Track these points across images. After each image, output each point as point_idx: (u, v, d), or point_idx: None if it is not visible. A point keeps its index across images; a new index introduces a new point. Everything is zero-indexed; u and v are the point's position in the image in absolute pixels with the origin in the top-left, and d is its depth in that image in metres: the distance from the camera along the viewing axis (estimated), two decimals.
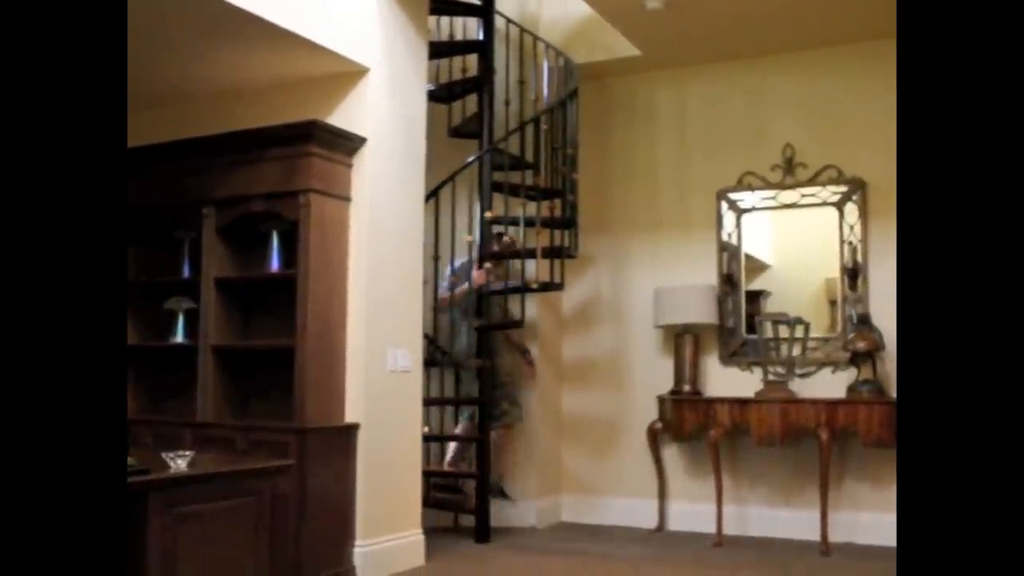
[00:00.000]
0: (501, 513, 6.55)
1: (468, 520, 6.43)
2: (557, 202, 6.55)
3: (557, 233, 6.54)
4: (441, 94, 6.63)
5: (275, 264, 5.24)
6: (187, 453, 3.28)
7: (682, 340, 6.64)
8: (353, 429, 5.09)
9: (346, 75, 5.28)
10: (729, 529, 6.32)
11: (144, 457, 3.26)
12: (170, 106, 5.89)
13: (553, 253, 6.45)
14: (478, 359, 6.30)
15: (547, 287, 6.45)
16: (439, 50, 6.43)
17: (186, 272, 5.60)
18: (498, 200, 6.35)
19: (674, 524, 6.73)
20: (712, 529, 6.23)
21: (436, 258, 6.31)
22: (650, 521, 6.77)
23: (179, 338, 5.54)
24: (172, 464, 3.19)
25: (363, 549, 5.09)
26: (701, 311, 6.50)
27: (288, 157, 5.07)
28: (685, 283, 6.67)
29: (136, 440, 5.09)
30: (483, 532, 6.16)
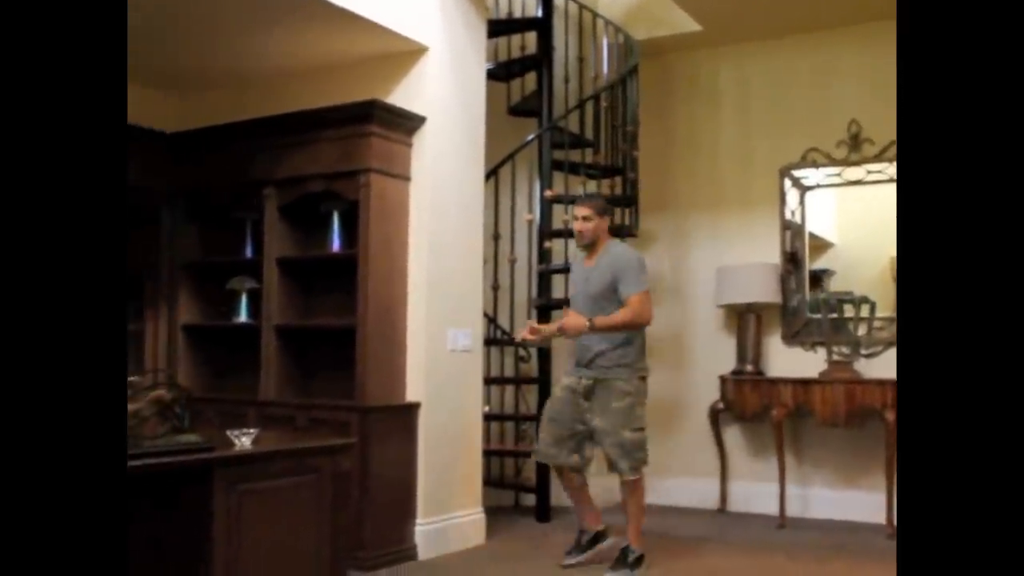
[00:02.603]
0: (561, 492, 6.53)
1: (528, 499, 6.43)
2: (617, 180, 6.49)
3: (617, 211, 6.48)
4: (500, 72, 6.60)
5: (336, 244, 5.27)
6: (251, 431, 3.30)
7: (745, 319, 6.56)
8: (414, 408, 5.11)
9: (405, 54, 5.27)
10: (792, 510, 6.25)
11: (209, 435, 3.29)
12: (231, 87, 5.93)
13: (614, 232, 6.37)
14: None
15: None
16: (498, 28, 6.39)
17: (248, 252, 5.66)
18: (558, 179, 6.31)
19: (735, 505, 6.66)
20: (774, 510, 6.16)
21: (496, 237, 6.29)
22: (711, 501, 6.71)
23: (242, 318, 5.60)
24: (236, 442, 3.22)
25: (424, 527, 5.11)
26: (764, 290, 6.40)
27: (348, 137, 5.08)
28: (747, 262, 6.58)
29: (200, 418, 5.16)
30: (543, 511, 6.16)
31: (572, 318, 4.69)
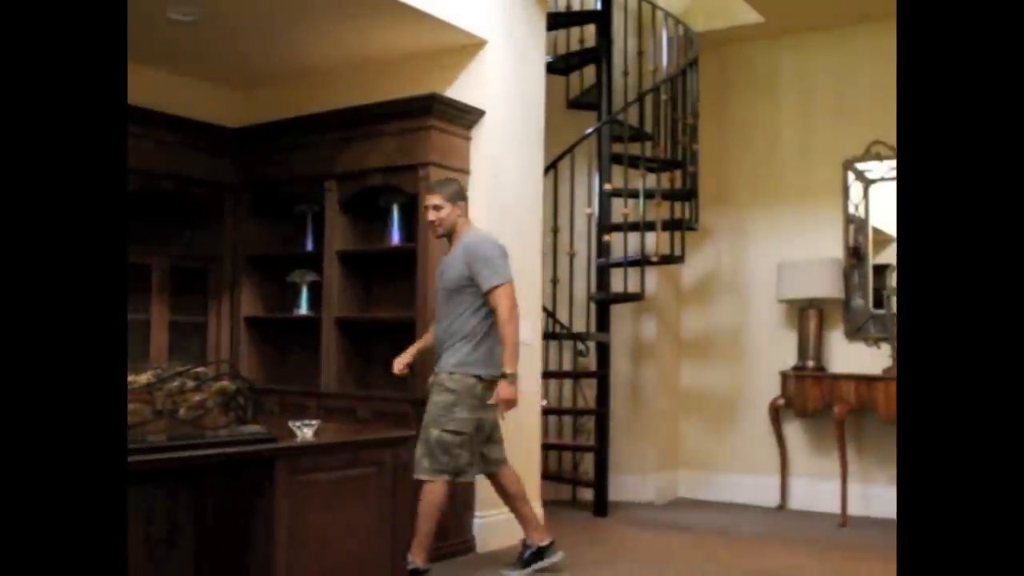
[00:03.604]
0: (619, 487, 6.51)
1: (587, 493, 6.42)
2: (677, 173, 6.43)
3: (677, 205, 6.44)
4: (559, 65, 6.58)
5: (395, 237, 5.30)
6: (313, 422, 3.33)
7: (806, 315, 6.47)
8: None
9: (464, 47, 5.28)
10: (853, 509, 6.16)
11: (271, 425, 3.33)
12: (294, 83, 5.99)
13: (673, 225, 6.34)
14: (599, 332, 6.26)
15: (667, 260, 6.35)
16: (557, 21, 6.37)
17: (309, 245, 5.72)
18: (617, 172, 6.29)
19: (796, 502, 6.58)
20: (836, 508, 6.08)
21: (555, 231, 6.28)
22: (771, 498, 6.65)
23: (303, 310, 5.67)
24: (298, 433, 3.25)
25: (482, 520, 5.12)
26: (826, 285, 6.31)
27: (407, 131, 5.10)
28: (809, 256, 6.49)
29: (262, 409, 5.22)
30: (601, 506, 6.15)
31: (505, 392, 4.30)
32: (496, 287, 4.30)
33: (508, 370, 4.29)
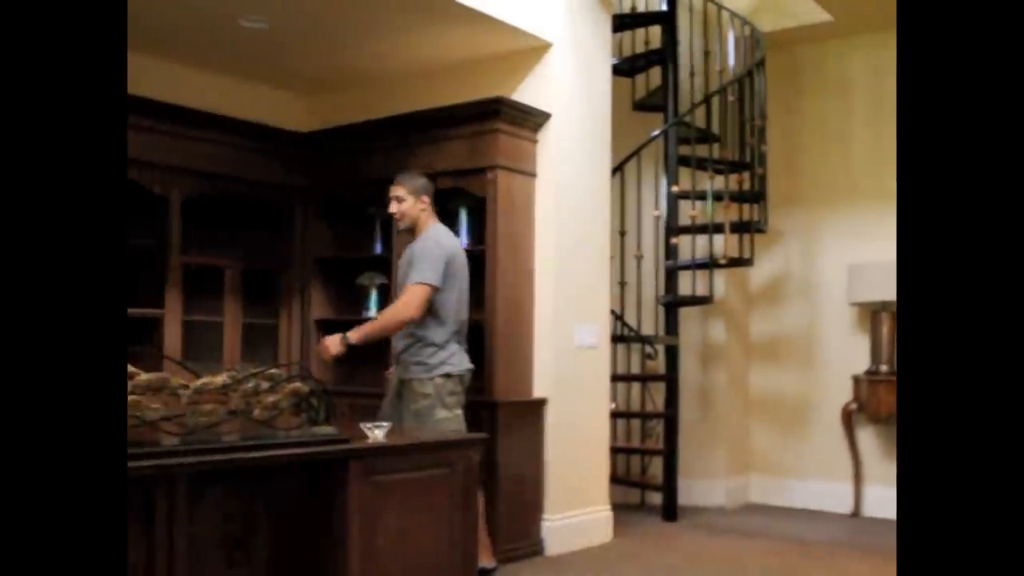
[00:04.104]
0: (689, 492, 6.45)
1: (655, 497, 6.37)
2: (745, 175, 6.36)
3: (745, 207, 6.36)
4: (624, 67, 6.55)
5: (464, 240, 5.32)
6: (384, 424, 3.35)
7: (879, 317, 6.35)
8: (541, 404, 5.12)
9: (530, 51, 5.29)
10: None
11: (343, 427, 3.35)
12: (362, 87, 6.05)
13: (741, 227, 6.27)
14: (667, 335, 6.21)
15: (736, 262, 6.28)
16: (622, 22, 6.34)
17: (378, 248, 5.77)
18: (684, 174, 6.24)
19: (870, 509, 6.46)
20: None
21: (622, 233, 6.25)
22: (844, 505, 6.53)
23: (372, 312, 5.71)
24: (370, 434, 3.27)
25: (551, 523, 5.12)
26: None
27: (474, 134, 5.12)
28: (881, 258, 6.37)
29: (333, 410, 5.26)
30: (670, 510, 6.09)
31: (328, 339, 4.25)
32: (413, 284, 4.21)
33: (352, 336, 4.22)
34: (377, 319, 4.22)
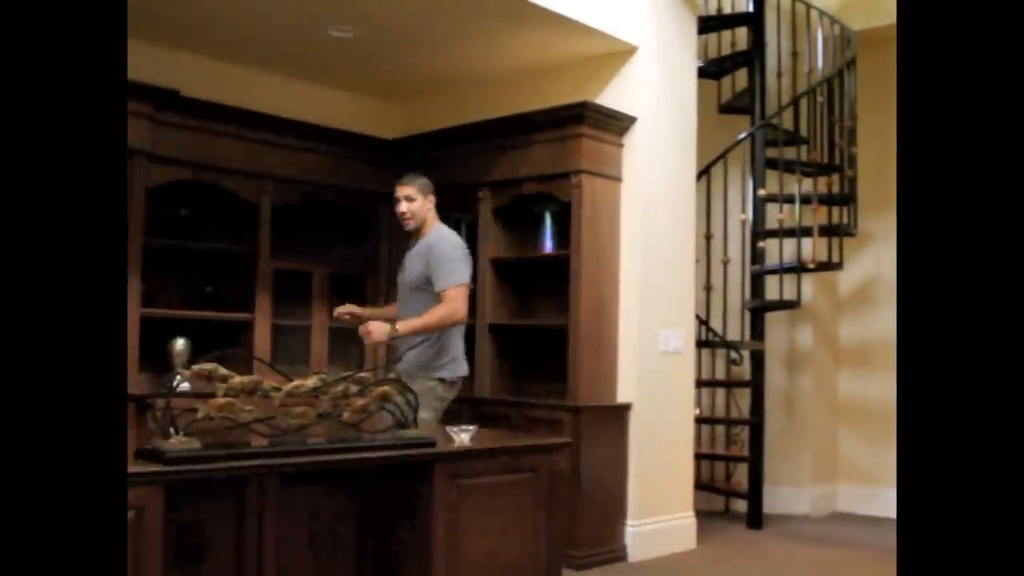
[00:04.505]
0: (774, 499, 6.36)
1: (739, 505, 6.30)
2: (834, 178, 6.26)
3: (835, 210, 6.25)
4: (710, 69, 6.49)
5: (548, 244, 5.33)
6: (470, 428, 3.38)
7: None
8: (625, 409, 5.10)
9: (615, 54, 5.27)
10: None
11: (429, 430, 3.39)
12: (447, 93, 6.11)
13: (830, 231, 6.16)
14: (753, 340, 6.14)
15: (824, 266, 6.18)
16: (708, 24, 6.29)
17: None
18: (772, 177, 6.15)
19: None
20: None
21: (708, 237, 6.19)
22: None
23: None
24: (456, 438, 3.30)
25: (634, 529, 5.09)
26: None
27: (560, 139, 5.13)
28: None
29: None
30: (755, 518, 6.02)
31: (375, 326, 4.12)
32: (449, 288, 4.18)
33: (401, 327, 4.13)
34: (427, 318, 4.15)
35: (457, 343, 4.35)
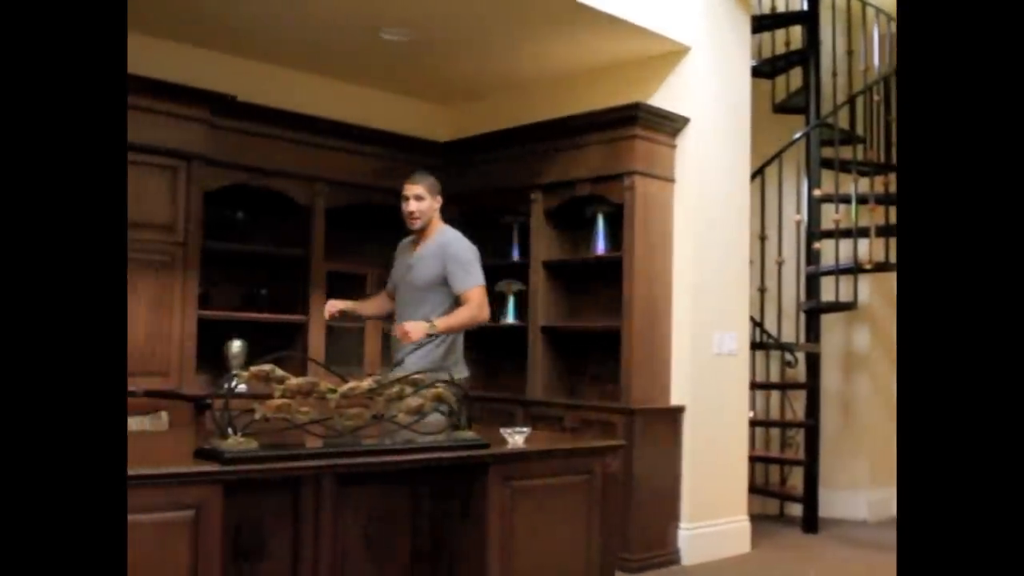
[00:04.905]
0: (829, 503, 6.28)
1: (794, 509, 6.23)
2: (891, 177, 6.16)
3: (892, 210, 6.16)
4: (764, 69, 6.44)
5: (601, 246, 5.32)
6: (524, 430, 3.37)
7: None
8: (679, 411, 5.07)
9: (668, 55, 5.25)
10: None
11: (483, 432, 3.40)
12: (497, 97, 6.12)
13: (888, 231, 6.07)
14: (809, 342, 6.07)
15: (881, 267, 6.08)
16: (762, 23, 6.24)
17: (515, 255, 5.81)
18: (827, 177, 6.08)
19: None
20: None
21: (762, 238, 6.14)
22: None
23: (510, 319, 5.76)
24: (510, 440, 3.30)
25: (688, 532, 5.06)
26: None
27: (612, 140, 5.11)
28: None
29: (473, 416, 5.34)
30: (811, 522, 5.94)
31: (412, 326, 3.95)
32: (472, 288, 4.09)
33: (440, 323, 4.00)
34: (458, 318, 4.04)
35: (461, 345, 4.25)
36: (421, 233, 4.26)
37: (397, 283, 4.33)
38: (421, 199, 4.20)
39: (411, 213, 4.21)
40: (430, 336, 3.99)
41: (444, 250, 4.15)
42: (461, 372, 4.17)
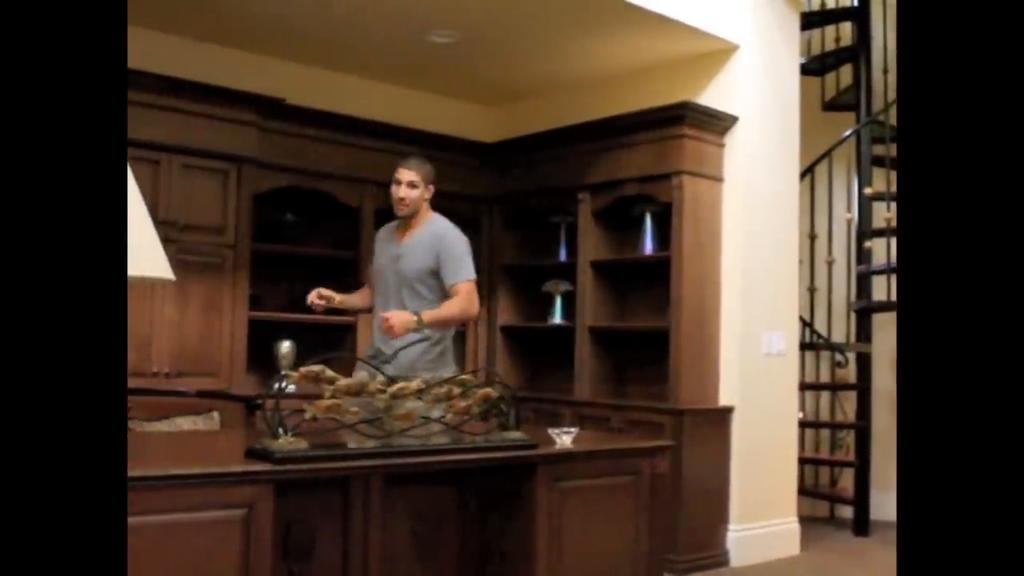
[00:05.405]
0: (880, 506, 6.20)
1: (845, 511, 6.16)
2: None
3: None
4: (813, 66, 6.38)
5: (648, 246, 5.30)
6: (571, 430, 3.37)
7: None
8: (727, 412, 5.04)
9: (716, 53, 5.22)
10: None
11: (531, 432, 3.40)
12: (544, 97, 6.12)
13: None
14: (859, 342, 6.00)
15: None
16: (811, 20, 6.19)
17: (563, 255, 5.81)
18: (878, 175, 6.01)
19: None
20: None
21: (812, 237, 6.08)
22: None
23: (557, 319, 5.77)
24: (557, 440, 3.29)
25: (737, 534, 5.03)
26: None
27: (660, 139, 5.09)
28: None
29: (520, 416, 5.35)
30: (862, 525, 5.87)
31: (396, 317, 3.71)
32: (463, 282, 3.89)
33: (426, 316, 3.77)
34: (447, 311, 3.84)
35: (451, 342, 4.08)
36: (409, 221, 4.02)
37: (380, 272, 4.08)
38: (414, 186, 3.95)
39: (401, 199, 3.95)
40: (416, 330, 3.75)
41: (439, 240, 3.95)
42: (453, 367, 4.03)
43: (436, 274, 3.92)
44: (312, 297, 3.98)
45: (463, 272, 3.91)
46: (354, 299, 4.29)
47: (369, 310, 4.29)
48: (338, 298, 4.08)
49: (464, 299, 3.87)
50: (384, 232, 4.17)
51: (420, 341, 3.80)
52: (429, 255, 3.92)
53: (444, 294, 3.92)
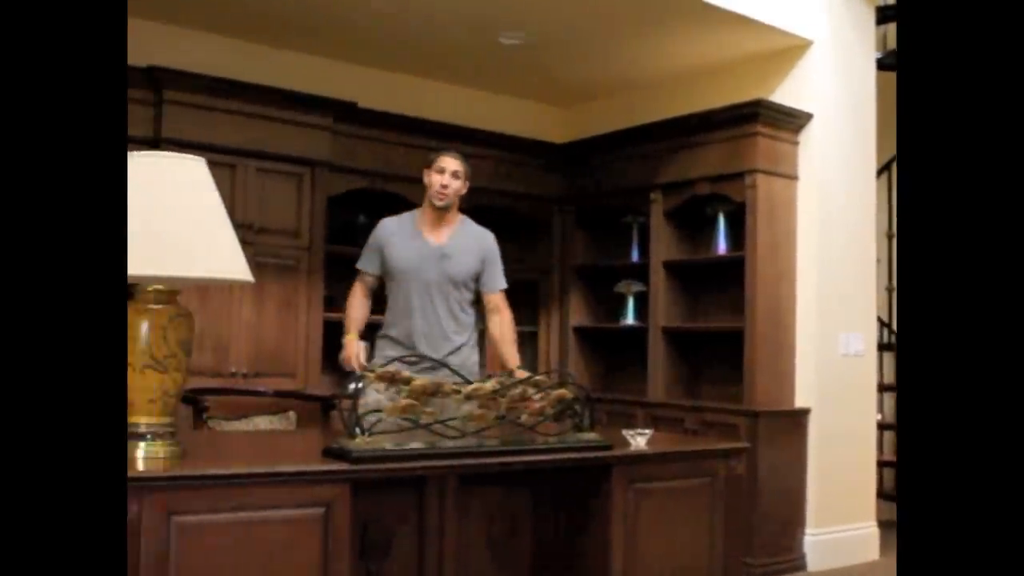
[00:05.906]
0: None
1: None
2: None
3: None
4: (890, 61, 6.23)
5: (722, 246, 5.25)
6: (646, 431, 3.34)
7: None
8: (803, 414, 4.96)
9: (789, 50, 5.15)
10: None
11: (604, 434, 3.38)
12: (615, 97, 6.10)
13: None
14: None
15: None
16: (886, 14, 6.04)
17: (635, 256, 5.78)
18: None
19: None
20: None
21: (890, 236, 5.96)
22: None
23: (629, 320, 5.74)
24: (632, 441, 3.27)
25: (814, 538, 4.95)
26: None
27: (733, 138, 5.04)
28: None
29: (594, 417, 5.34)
30: None
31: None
32: (501, 290, 3.87)
33: (512, 364, 3.77)
34: (512, 336, 3.86)
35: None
36: (443, 216, 3.81)
37: (408, 269, 3.79)
38: (457, 177, 3.77)
39: (444, 187, 3.73)
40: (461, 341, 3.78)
41: (483, 244, 3.85)
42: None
43: (478, 278, 3.83)
44: (355, 364, 3.81)
45: (501, 280, 3.88)
46: (361, 324, 4.05)
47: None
48: (365, 345, 4.01)
49: (509, 312, 3.87)
50: (396, 225, 3.88)
51: (463, 346, 3.80)
52: (476, 259, 3.82)
53: (473, 296, 3.86)
